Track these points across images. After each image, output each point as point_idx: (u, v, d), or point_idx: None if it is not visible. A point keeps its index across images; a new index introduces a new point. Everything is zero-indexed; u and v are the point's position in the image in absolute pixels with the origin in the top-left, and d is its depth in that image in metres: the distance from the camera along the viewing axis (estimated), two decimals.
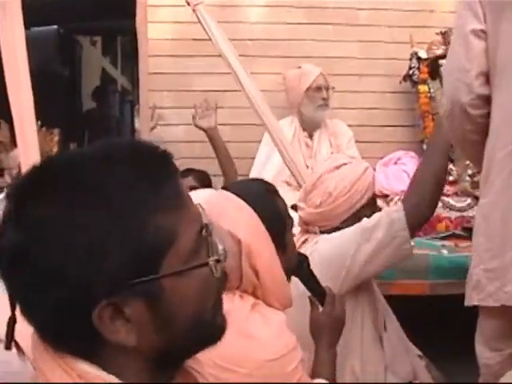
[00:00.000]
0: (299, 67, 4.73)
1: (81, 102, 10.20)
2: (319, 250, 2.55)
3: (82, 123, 9.78)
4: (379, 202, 4.15)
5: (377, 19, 5.24)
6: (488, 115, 2.32)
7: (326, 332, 2.12)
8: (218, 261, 1.05)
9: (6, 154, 5.10)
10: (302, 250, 2.52)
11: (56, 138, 8.13)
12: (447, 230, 4.36)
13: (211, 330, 1.09)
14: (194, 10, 3.66)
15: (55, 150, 8.06)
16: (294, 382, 1.70)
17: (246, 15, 4.96)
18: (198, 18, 3.66)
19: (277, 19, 5.05)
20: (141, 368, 1.02)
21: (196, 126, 4.23)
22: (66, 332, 0.97)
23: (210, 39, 3.64)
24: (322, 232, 2.68)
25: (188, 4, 3.63)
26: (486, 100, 2.31)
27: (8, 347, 1.04)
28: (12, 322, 1.02)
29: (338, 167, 2.67)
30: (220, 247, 1.06)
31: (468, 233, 4.30)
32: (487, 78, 2.29)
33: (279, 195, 2.04)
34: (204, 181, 3.84)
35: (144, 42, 4.13)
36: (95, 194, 0.96)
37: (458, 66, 2.33)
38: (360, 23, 5.24)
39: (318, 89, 4.59)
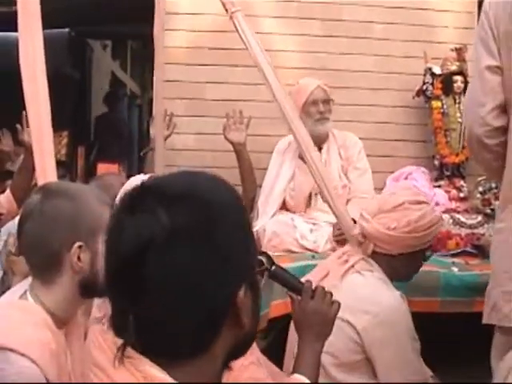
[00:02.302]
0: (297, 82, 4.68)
1: (90, 105, 10.22)
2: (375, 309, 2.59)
3: (91, 127, 9.79)
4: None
5: (391, 33, 5.24)
6: (504, 143, 2.42)
7: (304, 327, 2.08)
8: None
9: (12, 163, 5.11)
10: (347, 276, 2.68)
11: (65, 141, 8.16)
12: (457, 247, 4.35)
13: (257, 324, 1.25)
14: (231, 18, 3.61)
15: (63, 152, 8.09)
16: None
17: (261, 25, 4.95)
18: (234, 25, 3.60)
19: (291, 31, 5.06)
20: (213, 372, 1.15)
21: (225, 138, 4.20)
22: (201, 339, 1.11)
23: (245, 48, 3.57)
24: (374, 252, 2.74)
25: (226, 11, 3.59)
26: (503, 130, 2.41)
27: None
28: None
29: (420, 202, 2.75)
30: (265, 261, 1.37)
31: (478, 250, 4.31)
32: (503, 109, 2.39)
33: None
34: None
35: (161, 50, 4.14)
36: (220, 215, 1.14)
37: (474, 100, 2.47)
38: (374, 37, 5.23)
39: (315, 103, 4.49)
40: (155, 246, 1.05)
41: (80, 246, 1.88)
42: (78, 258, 1.88)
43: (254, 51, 3.60)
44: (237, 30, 3.62)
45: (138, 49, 12.00)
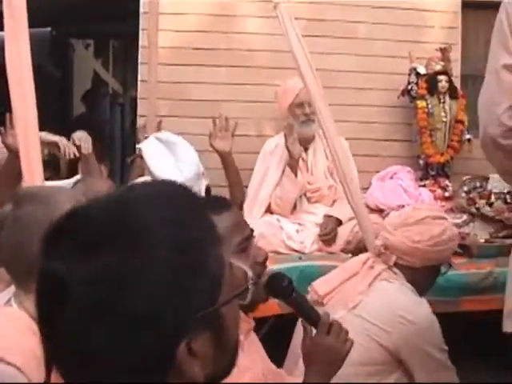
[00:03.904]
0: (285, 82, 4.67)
1: (72, 104, 10.15)
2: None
3: (73, 127, 9.72)
4: (373, 216, 4.14)
5: (376, 33, 5.25)
6: None
7: (315, 361, 1.99)
8: (254, 284, 1.13)
9: None
10: (375, 283, 2.71)
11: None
12: None
13: (237, 351, 1.11)
14: (275, 7, 3.55)
15: (46, 152, 8.01)
16: None
17: (245, 26, 4.94)
18: (277, 14, 3.59)
19: (277, 31, 5.03)
20: None
21: (211, 145, 4.12)
22: (144, 374, 0.95)
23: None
24: (395, 264, 2.80)
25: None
26: None
27: None
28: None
29: (441, 218, 2.88)
30: (249, 273, 1.13)
31: (464, 249, 4.31)
32: None
33: (223, 212, 1.94)
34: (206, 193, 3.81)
35: (154, 50, 4.11)
36: (153, 238, 0.96)
37: (489, 99, 2.40)
38: (359, 37, 5.24)
39: (300, 105, 4.47)
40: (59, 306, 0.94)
41: None
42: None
43: (292, 41, 3.55)
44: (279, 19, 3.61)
45: (121, 48, 11.95)
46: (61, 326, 0.94)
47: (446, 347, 2.73)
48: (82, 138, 4.11)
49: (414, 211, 2.93)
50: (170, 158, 3.43)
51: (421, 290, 2.81)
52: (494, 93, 2.37)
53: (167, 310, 0.93)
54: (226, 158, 4.07)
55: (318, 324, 2.00)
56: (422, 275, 2.81)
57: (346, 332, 2.02)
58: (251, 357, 1.89)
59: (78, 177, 4.16)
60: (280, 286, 1.99)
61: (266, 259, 2.05)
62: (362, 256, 3.02)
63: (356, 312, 2.64)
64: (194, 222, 1.01)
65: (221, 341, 1.01)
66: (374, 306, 2.66)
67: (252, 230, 2.06)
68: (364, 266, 2.85)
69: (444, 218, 2.90)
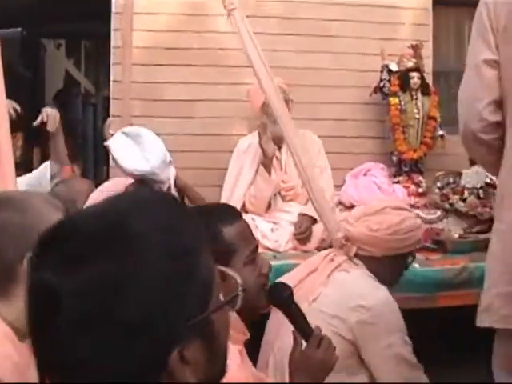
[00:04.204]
0: None
1: (44, 104, 10.06)
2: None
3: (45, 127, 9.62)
4: (346, 213, 4.15)
5: (348, 31, 5.26)
6: (500, 138, 2.40)
7: (302, 374, 2.05)
8: (243, 290, 1.16)
9: None
10: (333, 274, 2.71)
11: (19, 143, 8.00)
12: None
13: (226, 357, 1.11)
14: (228, 15, 3.56)
15: (18, 153, 7.95)
16: None
17: (218, 24, 4.92)
18: (231, 22, 3.56)
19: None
20: None
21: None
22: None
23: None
24: (357, 255, 2.80)
25: (224, 7, 3.54)
26: (498, 125, 2.39)
27: None
28: None
29: (401, 208, 2.89)
30: (239, 280, 1.14)
31: (438, 245, 4.34)
32: (498, 105, 2.37)
33: (235, 221, 2.05)
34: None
35: (128, 51, 4.09)
36: (146, 245, 0.96)
37: (470, 95, 2.43)
38: (331, 34, 5.25)
39: None
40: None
41: None
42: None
43: (248, 49, 3.55)
44: (234, 27, 3.57)
45: (93, 47, 11.89)
46: (53, 336, 0.94)
47: (410, 341, 2.66)
48: (52, 114, 4.10)
49: (375, 202, 2.99)
50: (135, 148, 3.44)
51: (385, 282, 2.77)
52: (474, 88, 2.39)
53: (161, 316, 0.93)
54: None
55: (311, 337, 2.06)
56: (384, 265, 2.78)
57: (335, 347, 2.09)
58: (246, 372, 1.89)
59: (46, 164, 4.12)
60: (282, 296, 2.07)
61: (270, 270, 2.13)
62: (325, 251, 3.03)
63: (316, 306, 2.60)
64: (185, 229, 1.02)
65: (212, 347, 1.01)
66: (332, 298, 2.65)
67: (257, 241, 2.14)
68: (325, 259, 2.85)
69: (405, 209, 2.92)
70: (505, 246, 2.38)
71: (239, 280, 1.15)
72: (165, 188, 3.41)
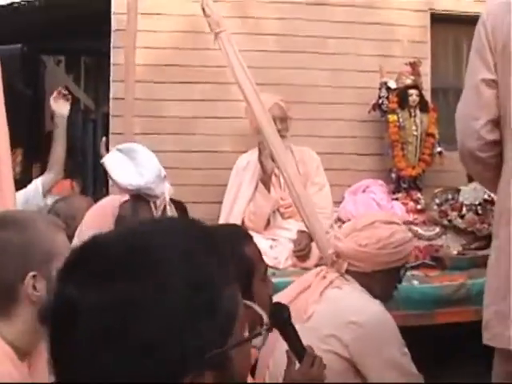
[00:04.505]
0: None
1: (44, 121, 10.07)
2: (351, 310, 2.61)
3: (46, 144, 9.64)
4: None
5: (346, 48, 5.29)
6: (497, 156, 2.44)
7: None
8: (267, 330, 1.10)
9: None
10: (326, 292, 2.69)
11: (19, 159, 8.01)
12: (417, 259, 4.38)
13: None
14: (215, 37, 3.62)
15: (18, 170, 7.95)
16: None
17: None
18: (219, 45, 3.65)
19: (247, 47, 5.06)
20: None
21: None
22: None
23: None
24: (348, 271, 2.76)
25: (211, 30, 3.60)
26: (495, 143, 2.42)
27: None
28: None
29: (391, 222, 2.82)
30: (266, 318, 1.11)
31: (437, 262, 4.35)
32: (496, 123, 2.40)
33: (250, 241, 2.13)
34: (182, 210, 3.81)
35: (131, 68, 4.11)
36: (169, 273, 0.96)
37: (468, 113, 2.46)
38: (330, 52, 5.27)
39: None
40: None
41: (34, 276, 1.84)
42: (34, 288, 1.84)
43: (236, 70, 3.61)
44: (220, 49, 3.68)
45: (92, 64, 11.91)
46: (71, 350, 0.95)
47: (407, 350, 2.65)
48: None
49: (364, 217, 2.93)
50: (130, 164, 3.45)
51: (379, 297, 2.75)
52: (472, 107, 2.42)
53: (176, 342, 0.93)
54: None
55: (305, 356, 2.10)
56: (376, 280, 2.75)
57: (325, 365, 2.15)
58: None
59: (36, 181, 4.11)
60: (282, 317, 2.08)
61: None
62: (317, 268, 2.99)
63: (310, 324, 2.58)
64: (207, 260, 1.01)
65: (225, 379, 1.00)
66: (326, 316, 2.62)
67: None
68: (317, 277, 2.81)
69: (395, 223, 2.85)
70: (499, 262, 2.41)
71: (266, 319, 1.12)
72: (159, 203, 3.42)
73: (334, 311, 2.64)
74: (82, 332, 0.94)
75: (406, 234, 2.89)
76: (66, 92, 4.04)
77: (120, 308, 0.93)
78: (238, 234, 2.17)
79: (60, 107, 4.05)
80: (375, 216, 2.88)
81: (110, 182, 4.06)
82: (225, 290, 1.00)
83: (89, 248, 1.02)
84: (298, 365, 2.12)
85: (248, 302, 1.11)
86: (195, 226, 1.08)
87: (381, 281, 2.76)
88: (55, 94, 4.03)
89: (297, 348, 2.12)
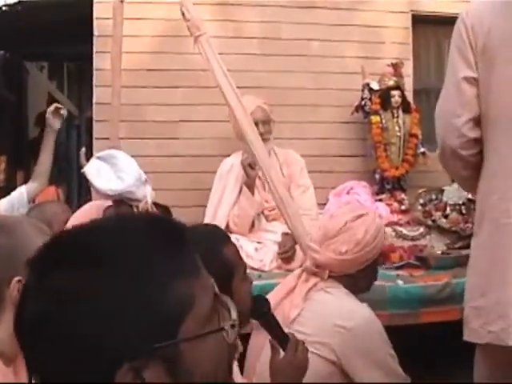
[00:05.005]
0: None
1: (27, 127, 10.05)
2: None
3: (29, 150, 9.62)
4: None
5: (328, 50, 5.31)
6: (477, 154, 2.45)
7: (285, 379, 2.12)
8: (232, 326, 1.07)
9: None
10: (310, 295, 2.68)
11: (2, 166, 7.98)
12: (401, 259, 4.40)
13: None
14: (195, 41, 3.63)
15: (2, 177, 7.92)
16: None
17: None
18: (198, 48, 3.67)
19: (230, 50, 5.06)
20: None
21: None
22: None
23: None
24: (330, 276, 2.71)
25: (190, 34, 3.61)
26: (476, 141, 2.43)
27: None
28: None
29: (359, 216, 2.73)
30: (234, 314, 1.08)
31: (421, 261, 4.36)
32: (477, 121, 2.41)
33: (229, 241, 2.16)
34: (167, 214, 3.81)
35: (117, 74, 4.11)
36: (114, 265, 0.98)
37: (449, 111, 2.46)
38: (312, 54, 5.29)
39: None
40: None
41: (19, 281, 1.83)
42: (19, 293, 1.84)
43: (216, 74, 3.62)
44: (201, 53, 3.69)
45: (75, 70, 11.89)
46: (20, 331, 1.00)
47: (395, 354, 2.64)
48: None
49: (331, 221, 2.80)
50: (110, 171, 3.47)
51: (362, 290, 2.76)
52: (454, 104, 2.43)
53: (113, 330, 0.95)
54: None
55: (288, 344, 2.14)
56: (359, 278, 2.72)
57: (307, 349, 2.18)
58: None
59: (21, 189, 4.11)
60: (261, 310, 2.16)
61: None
62: (298, 270, 2.93)
63: (296, 327, 2.56)
64: (161, 255, 1.01)
65: (179, 375, 1.00)
66: (311, 319, 2.60)
67: None
68: (299, 279, 2.77)
69: (363, 215, 2.75)
70: (480, 260, 2.44)
71: (233, 315, 1.11)
72: (141, 206, 3.43)
73: (320, 315, 2.62)
74: (27, 315, 0.98)
75: (376, 221, 2.77)
76: (63, 109, 4.06)
77: (60, 294, 0.96)
78: (216, 234, 2.19)
79: (54, 121, 4.07)
80: (343, 217, 2.76)
81: (92, 190, 4.06)
82: (172, 285, 1.00)
83: (50, 242, 1.05)
84: (282, 353, 2.14)
85: (223, 296, 1.11)
86: (158, 222, 1.08)
87: (364, 276, 2.74)
88: (53, 108, 4.04)
89: (279, 336, 2.16)
